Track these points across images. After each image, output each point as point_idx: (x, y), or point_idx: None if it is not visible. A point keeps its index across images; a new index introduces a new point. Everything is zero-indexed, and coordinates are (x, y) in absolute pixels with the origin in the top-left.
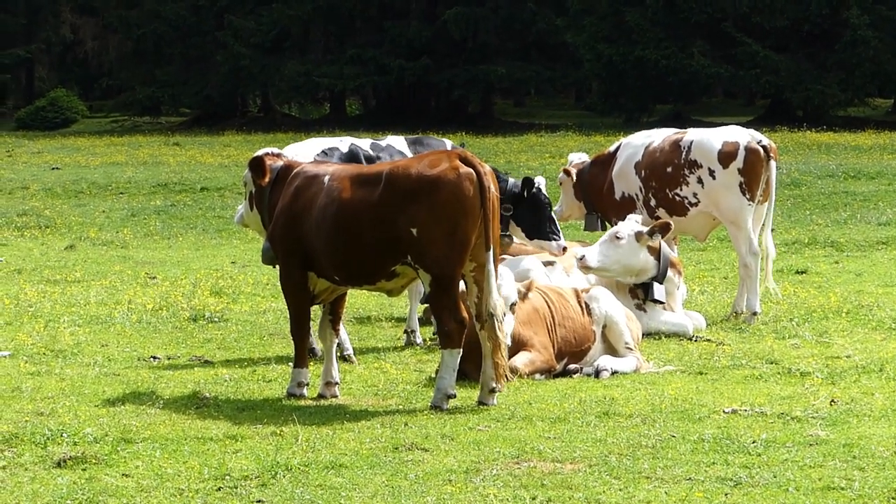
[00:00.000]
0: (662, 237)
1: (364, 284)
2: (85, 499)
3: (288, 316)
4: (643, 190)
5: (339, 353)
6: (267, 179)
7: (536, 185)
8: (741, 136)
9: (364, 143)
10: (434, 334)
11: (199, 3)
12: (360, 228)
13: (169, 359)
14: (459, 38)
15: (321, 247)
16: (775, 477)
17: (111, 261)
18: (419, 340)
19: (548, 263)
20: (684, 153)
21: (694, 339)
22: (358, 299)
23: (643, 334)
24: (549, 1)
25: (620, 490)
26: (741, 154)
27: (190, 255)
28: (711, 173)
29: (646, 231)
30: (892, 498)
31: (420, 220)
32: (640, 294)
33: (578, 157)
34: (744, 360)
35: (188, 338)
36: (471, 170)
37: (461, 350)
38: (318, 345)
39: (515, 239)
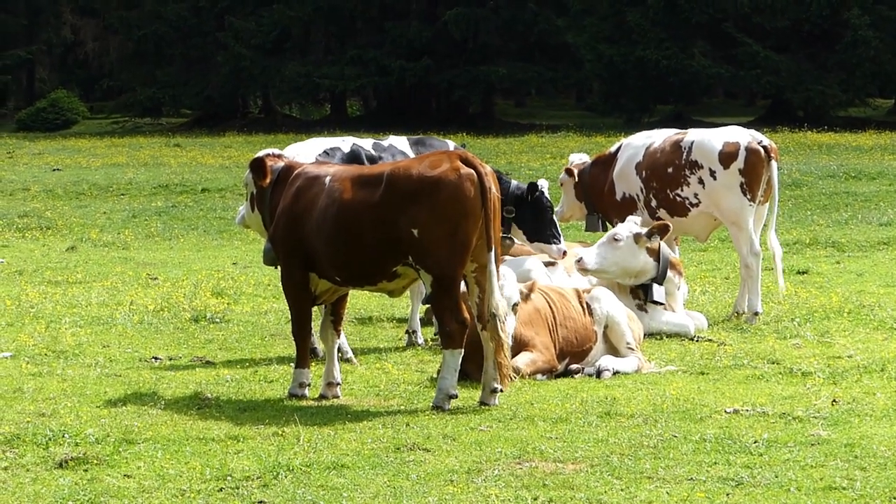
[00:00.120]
0: (661, 239)
1: (365, 285)
2: (86, 499)
3: (289, 317)
4: (644, 190)
5: (339, 356)
6: (268, 180)
7: (540, 188)
8: (742, 136)
9: (366, 144)
10: (435, 335)
11: (200, 4)
12: (361, 229)
13: (170, 359)
14: (460, 39)
15: (322, 247)
16: (777, 477)
17: (112, 262)
18: (421, 341)
19: (549, 264)
20: (685, 154)
21: (695, 339)
22: (359, 300)
23: (644, 334)
24: (550, 1)
25: (622, 490)
26: (742, 154)
27: (191, 256)
28: (712, 174)
29: (644, 233)
30: (894, 498)
31: (421, 221)
32: (641, 294)
33: (579, 158)
34: (745, 360)
35: (189, 338)
36: (472, 170)
37: (463, 350)
38: (319, 345)
39: (516, 240)
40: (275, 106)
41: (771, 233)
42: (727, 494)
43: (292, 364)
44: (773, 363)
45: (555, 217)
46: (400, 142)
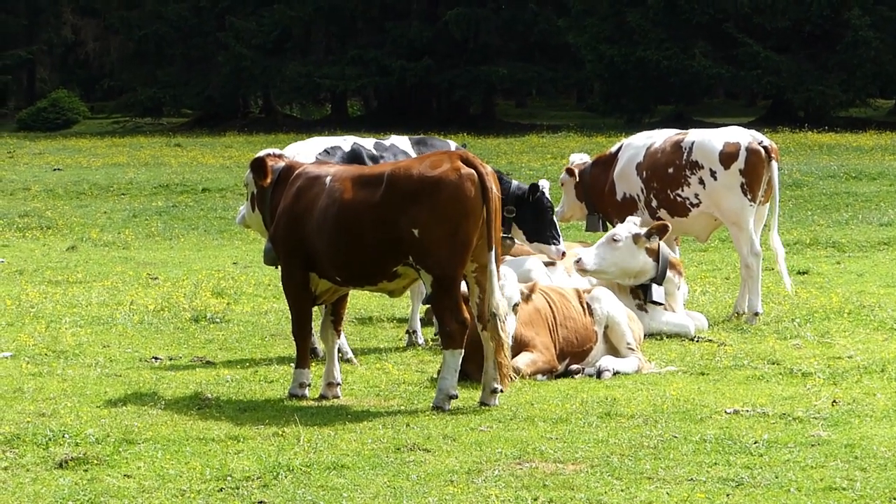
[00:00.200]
0: (660, 239)
1: (366, 285)
2: (87, 500)
3: (290, 317)
4: (644, 191)
5: (339, 356)
6: (269, 180)
7: (541, 188)
8: (742, 136)
9: (368, 143)
10: (436, 335)
11: (201, 4)
12: (361, 229)
13: (170, 359)
14: (461, 39)
15: (323, 247)
16: (777, 477)
17: (113, 262)
18: (421, 341)
19: (549, 264)
20: (686, 154)
21: (695, 339)
22: (360, 300)
23: (645, 335)
24: (551, 2)
25: (622, 491)
26: (742, 155)
27: (191, 256)
28: (713, 174)
29: (643, 233)
30: (894, 499)
31: (421, 221)
32: (641, 294)
33: (580, 158)
34: (745, 360)
35: (190, 338)
36: (472, 171)
37: (463, 351)
38: (319, 345)
39: (516, 240)
40: (275, 106)
41: (773, 233)
42: (727, 495)
43: (292, 364)
44: (774, 364)
45: (555, 218)
46: (402, 141)
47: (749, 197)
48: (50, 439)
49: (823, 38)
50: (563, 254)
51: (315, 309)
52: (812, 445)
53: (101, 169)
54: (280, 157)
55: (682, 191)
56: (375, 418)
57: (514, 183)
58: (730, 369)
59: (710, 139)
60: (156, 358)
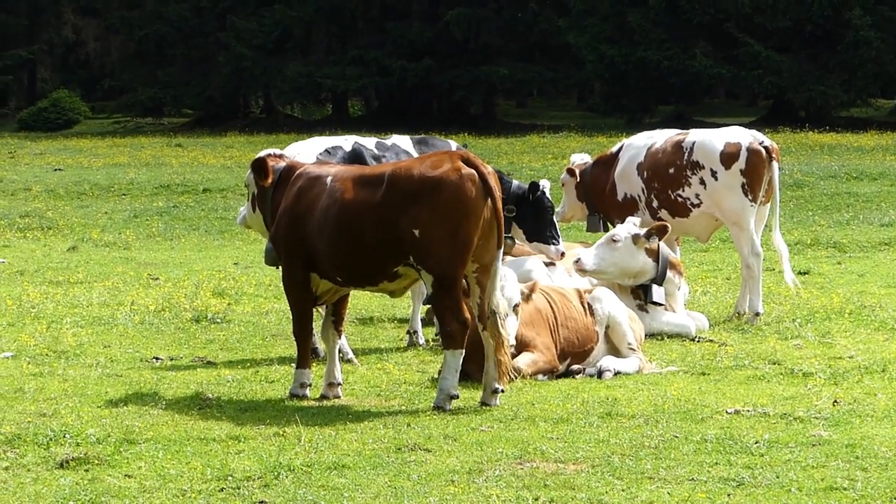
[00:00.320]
0: (660, 239)
1: (366, 285)
2: (87, 500)
3: (290, 317)
4: (645, 191)
5: (339, 356)
6: (269, 181)
7: (542, 188)
8: (743, 136)
9: (369, 143)
10: (437, 335)
11: (202, 5)
12: (362, 229)
13: (171, 360)
14: (461, 39)
15: (323, 248)
16: (778, 477)
17: (114, 262)
18: (422, 341)
19: (549, 264)
20: (686, 154)
21: (696, 339)
22: (361, 300)
23: (645, 335)
24: (552, 2)
25: (623, 490)
26: (743, 155)
27: (192, 257)
28: (714, 174)
29: (643, 233)
30: (895, 498)
31: (422, 221)
32: (642, 294)
33: (580, 158)
34: (746, 360)
35: (191, 339)
36: (473, 171)
37: (464, 351)
38: (320, 345)
39: (516, 241)
40: (276, 106)
41: (776, 233)
42: (728, 495)
43: (293, 364)
44: (775, 364)
45: (555, 218)
46: (403, 141)
47: (750, 197)
48: (51, 439)
49: (824, 38)
50: (563, 254)
51: (316, 309)
52: (813, 445)
53: (101, 169)
54: (281, 157)
55: (683, 191)
56: (376, 418)
57: (515, 182)
58: (731, 369)
59: (710, 139)
60: (157, 358)
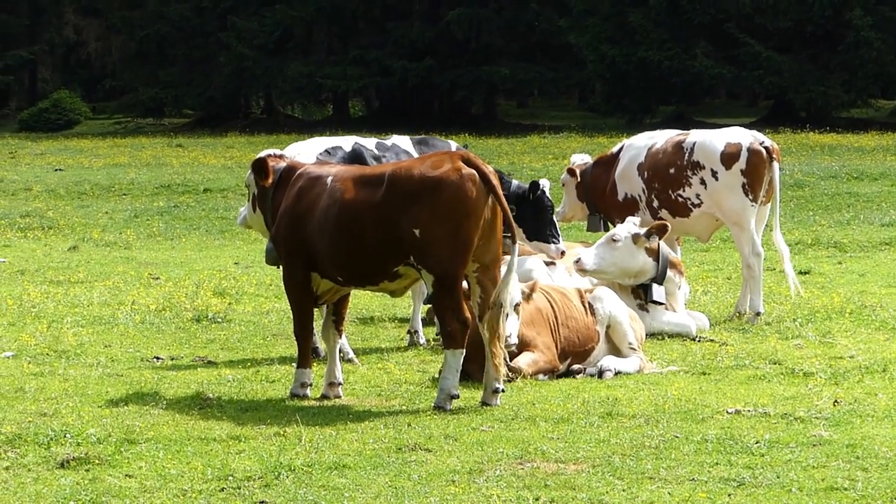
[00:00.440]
0: (660, 239)
1: (367, 285)
2: (88, 499)
3: (291, 316)
4: (646, 191)
5: (340, 356)
6: (270, 181)
7: (542, 187)
8: (744, 137)
9: (369, 143)
10: (437, 335)
11: (203, 5)
12: (362, 229)
13: (172, 359)
14: (462, 39)
15: (324, 247)
16: (779, 477)
17: (114, 262)
18: (422, 341)
19: (550, 263)
20: (687, 154)
21: (697, 339)
22: (361, 300)
23: (646, 335)
24: (553, 2)
25: (624, 490)
26: (744, 155)
27: (193, 256)
28: (714, 174)
29: (643, 233)
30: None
31: (422, 221)
32: (642, 294)
33: (581, 158)
34: (747, 360)
35: (191, 338)
36: (473, 171)
37: (464, 350)
38: (321, 345)
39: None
40: (277, 106)
41: (777, 233)
42: (729, 495)
43: (294, 364)
44: (775, 364)
45: (555, 217)
46: (403, 141)
47: (750, 197)
48: (51, 439)
49: (825, 39)
50: (563, 253)
51: (316, 309)
52: (814, 445)
53: (102, 169)
54: (281, 157)
55: (684, 191)
56: (377, 418)
57: (514, 182)
58: (731, 369)
59: (711, 139)
60: (157, 358)
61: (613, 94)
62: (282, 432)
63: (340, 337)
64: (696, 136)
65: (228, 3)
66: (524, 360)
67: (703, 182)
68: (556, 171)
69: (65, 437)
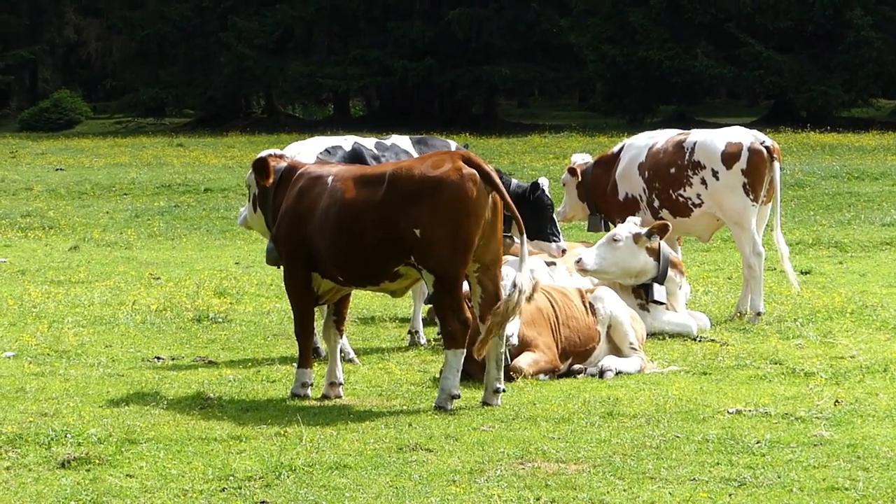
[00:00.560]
0: (661, 238)
1: (368, 285)
2: (89, 499)
3: (292, 316)
4: (647, 191)
5: (341, 356)
6: (271, 181)
7: (541, 187)
8: (744, 136)
9: (368, 143)
10: (438, 335)
11: (203, 5)
12: (363, 229)
13: (173, 359)
14: (463, 39)
15: (325, 247)
16: (779, 477)
17: (115, 262)
18: (423, 341)
19: (550, 263)
20: (688, 154)
21: (698, 339)
22: (362, 300)
23: (647, 334)
24: (553, 1)
25: (625, 490)
26: (744, 155)
27: (194, 256)
28: (715, 174)
29: (644, 233)
30: None
31: (423, 221)
32: (643, 294)
33: (581, 158)
34: (748, 360)
35: (192, 338)
36: (474, 171)
37: (465, 351)
38: (322, 345)
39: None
40: (278, 106)
41: (777, 233)
42: (730, 495)
43: (295, 364)
44: (776, 363)
45: (554, 215)
46: (403, 141)
47: (751, 197)
48: (52, 439)
49: (826, 38)
50: (564, 250)
51: (317, 308)
52: (814, 445)
53: (103, 169)
54: (282, 157)
55: (684, 191)
56: (378, 418)
57: (514, 181)
58: (732, 369)
59: (712, 139)
60: (158, 358)
61: (614, 93)
62: (283, 432)
63: (341, 337)
64: (696, 135)
65: (229, 3)
66: (525, 360)
67: (703, 182)
68: (557, 170)
69: (66, 437)
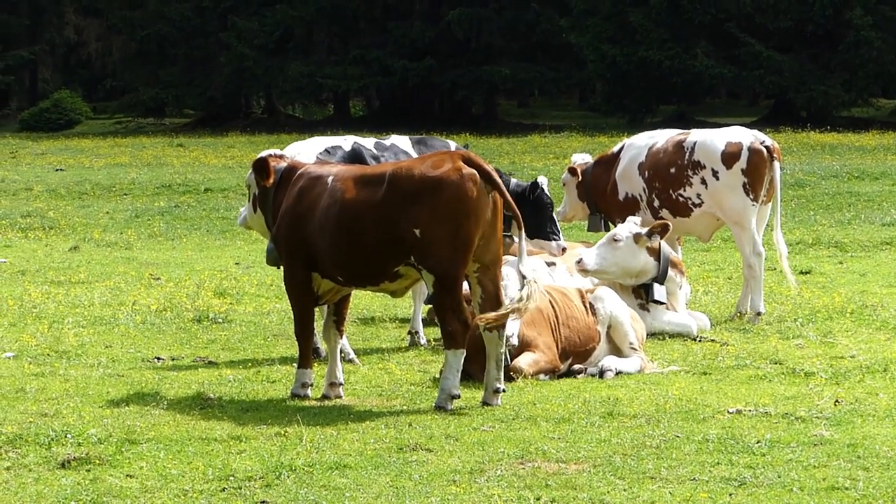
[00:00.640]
0: (661, 238)
1: (367, 285)
2: (89, 500)
3: (292, 317)
4: (647, 191)
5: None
6: (271, 181)
7: (540, 186)
8: (744, 136)
9: (368, 143)
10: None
11: (203, 5)
12: (362, 229)
13: (173, 360)
14: (463, 39)
15: (325, 247)
16: (779, 477)
17: (115, 262)
18: (423, 341)
19: (550, 263)
20: (688, 154)
21: (698, 339)
22: (362, 300)
23: (647, 334)
24: (553, 1)
25: (625, 490)
26: (744, 155)
27: (194, 256)
28: (715, 174)
29: (644, 232)
30: None
31: (423, 221)
32: (643, 294)
33: (581, 158)
34: (748, 360)
35: (192, 339)
36: (474, 171)
37: (465, 351)
38: (322, 345)
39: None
40: (278, 106)
41: (777, 233)
42: (730, 495)
43: (295, 364)
44: (776, 363)
45: (554, 214)
46: (402, 141)
47: (751, 197)
48: (52, 439)
49: (825, 38)
50: (564, 249)
51: (317, 309)
52: (815, 445)
53: (103, 169)
54: (282, 157)
55: (684, 191)
56: (378, 418)
57: (513, 181)
58: (732, 369)
59: (712, 139)
60: (158, 358)
61: (614, 93)
62: (283, 432)
63: (341, 337)
64: (696, 135)
65: (229, 3)
66: (525, 360)
67: (703, 182)
68: (557, 170)
69: (66, 437)
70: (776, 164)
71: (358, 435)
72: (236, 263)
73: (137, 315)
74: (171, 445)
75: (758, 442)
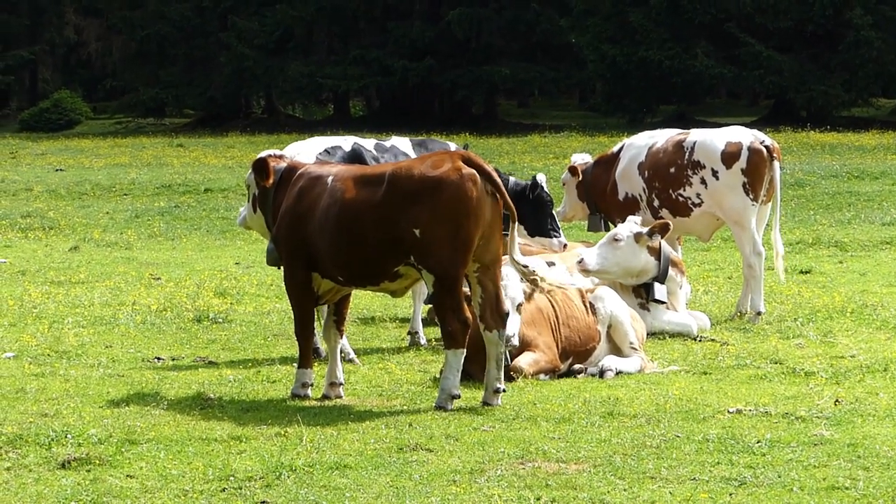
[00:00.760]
0: (662, 237)
1: (367, 285)
2: (89, 500)
3: (292, 317)
4: (646, 190)
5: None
6: (271, 181)
7: (540, 183)
8: (744, 136)
9: (368, 144)
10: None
11: (203, 5)
12: (362, 229)
13: (173, 360)
14: (463, 39)
15: (325, 247)
16: (780, 477)
17: (115, 262)
18: (423, 341)
19: (550, 264)
20: (688, 154)
21: (698, 338)
22: (362, 300)
23: (647, 334)
24: (553, 1)
25: (625, 490)
26: (744, 154)
27: (194, 257)
28: (715, 174)
29: (645, 232)
30: None
31: (423, 221)
32: (643, 293)
33: (581, 158)
34: (748, 359)
35: (192, 339)
36: (473, 171)
37: (465, 351)
38: (322, 345)
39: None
40: (278, 106)
41: (776, 232)
42: (730, 494)
43: (295, 364)
44: (776, 363)
45: (553, 212)
46: (402, 142)
47: (751, 196)
48: (52, 440)
49: (825, 38)
50: (565, 245)
51: (317, 309)
52: (815, 445)
53: (103, 169)
54: (282, 157)
55: (684, 190)
56: (378, 418)
57: (512, 180)
58: (732, 369)
59: (712, 139)
60: (158, 358)
61: (614, 93)
62: (283, 432)
63: (341, 337)
64: (696, 135)
65: (229, 3)
66: (525, 360)
67: (703, 181)
68: (557, 170)
69: (66, 437)
70: (776, 163)
71: (358, 435)
72: (236, 263)
73: (137, 315)
74: (172, 445)
75: (758, 442)
